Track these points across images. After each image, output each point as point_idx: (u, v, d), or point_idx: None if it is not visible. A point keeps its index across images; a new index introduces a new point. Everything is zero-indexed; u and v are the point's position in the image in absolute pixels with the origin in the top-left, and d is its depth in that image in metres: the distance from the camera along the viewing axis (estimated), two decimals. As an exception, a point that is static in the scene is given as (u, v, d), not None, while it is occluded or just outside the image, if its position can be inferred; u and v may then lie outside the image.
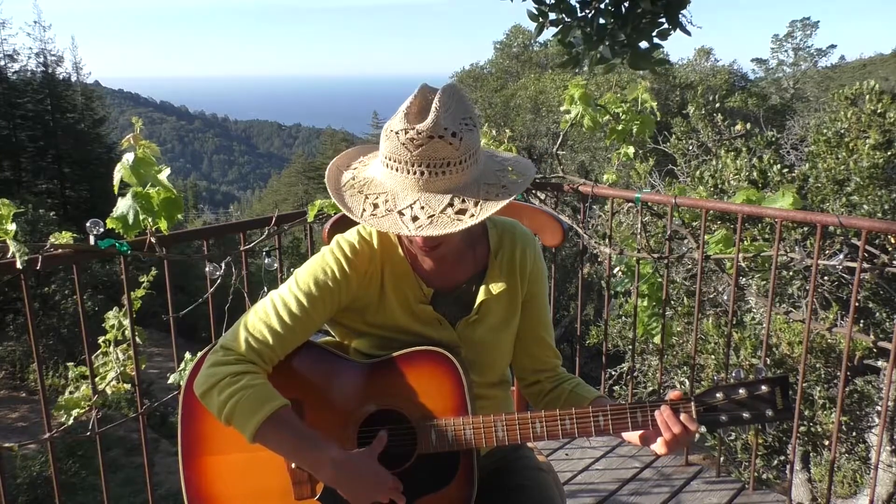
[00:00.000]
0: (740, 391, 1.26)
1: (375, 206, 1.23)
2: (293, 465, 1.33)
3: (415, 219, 1.19)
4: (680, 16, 2.67)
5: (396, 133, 1.19)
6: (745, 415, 1.25)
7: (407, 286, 1.39)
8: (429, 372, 1.34)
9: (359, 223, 1.31)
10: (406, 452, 1.34)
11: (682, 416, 1.26)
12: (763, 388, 1.25)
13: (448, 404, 1.33)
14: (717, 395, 1.27)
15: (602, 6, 2.72)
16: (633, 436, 1.34)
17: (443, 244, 1.30)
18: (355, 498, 1.26)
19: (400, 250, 1.39)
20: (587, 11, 2.74)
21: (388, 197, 1.23)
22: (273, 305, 1.32)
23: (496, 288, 1.42)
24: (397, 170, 1.21)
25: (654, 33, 2.75)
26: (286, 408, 1.24)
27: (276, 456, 1.30)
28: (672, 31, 2.73)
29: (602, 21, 2.72)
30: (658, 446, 1.30)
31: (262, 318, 1.31)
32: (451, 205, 1.20)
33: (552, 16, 2.79)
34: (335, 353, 1.39)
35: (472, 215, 1.20)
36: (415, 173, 1.20)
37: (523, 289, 1.47)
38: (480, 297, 1.42)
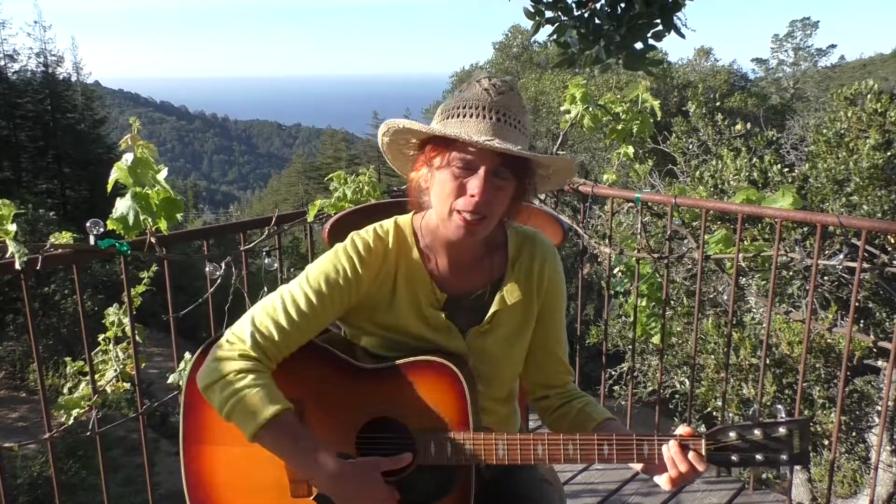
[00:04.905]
0: (756, 432, 1.19)
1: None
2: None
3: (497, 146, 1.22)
4: (675, 18, 2.68)
5: (479, 81, 1.27)
6: (758, 457, 1.19)
7: (420, 289, 1.37)
8: (433, 383, 1.32)
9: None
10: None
11: (691, 455, 1.22)
12: (781, 430, 1.18)
13: (450, 417, 1.31)
14: (731, 434, 1.20)
15: (597, 7, 2.72)
16: (638, 465, 1.31)
17: (485, 220, 1.27)
18: None
19: (415, 252, 1.37)
20: (583, 11, 2.75)
21: (461, 132, 1.23)
22: (282, 301, 1.31)
23: (511, 298, 1.39)
24: (471, 116, 1.24)
25: (648, 34, 2.75)
26: (288, 412, 1.23)
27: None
28: (667, 33, 2.74)
29: (598, 21, 2.72)
30: (662, 481, 1.26)
31: (269, 314, 1.29)
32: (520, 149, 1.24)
33: (548, 14, 2.79)
34: (340, 356, 1.37)
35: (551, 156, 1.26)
36: (491, 118, 1.24)
37: (539, 302, 1.44)
38: (494, 306, 1.39)
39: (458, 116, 1.25)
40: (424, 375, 1.32)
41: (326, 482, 1.23)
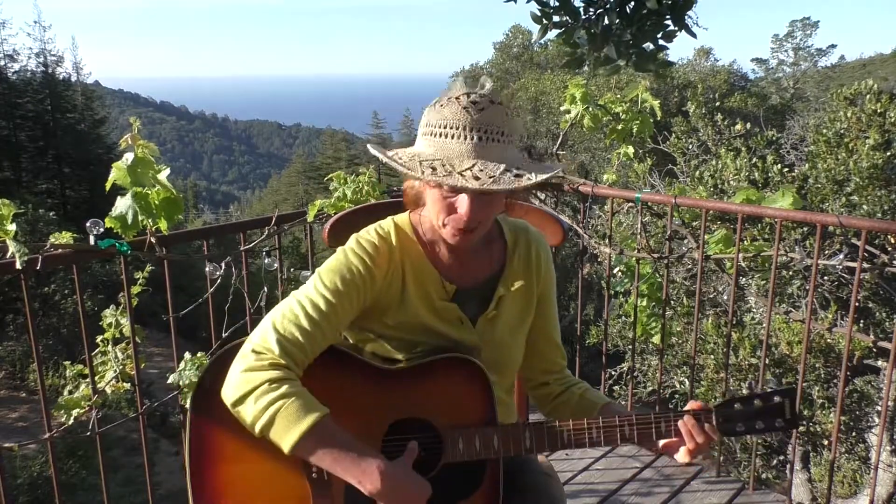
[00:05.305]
0: (755, 402, 1.33)
1: (433, 169, 1.22)
2: (314, 475, 1.29)
3: (476, 178, 1.19)
4: (686, 17, 2.66)
5: (457, 98, 1.23)
6: (759, 424, 1.33)
7: (429, 283, 1.38)
8: (457, 379, 1.33)
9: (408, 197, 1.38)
10: (431, 461, 1.32)
11: (707, 427, 1.31)
12: (776, 399, 1.33)
13: (476, 412, 1.32)
14: (735, 405, 1.33)
15: (607, 6, 2.71)
16: (660, 442, 1.37)
17: (479, 227, 1.30)
18: None
19: (418, 248, 1.38)
20: (592, 11, 2.73)
21: (443, 162, 1.22)
22: (300, 306, 1.29)
23: (515, 284, 1.44)
24: (452, 136, 1.23)
25: (659, 35, 2.74)
26: (328, 417, 1.20)
27: (293, 468, 1.28)
28: (678, 33, 2.72)
29: (607, 21, 2.71)
30: (681, 455, 1.34)
31: (291, 320, 1.27)
32: (507, 171, 1.21)
33: (556, 18, 2.78)
34: (360, 359, 1.36)
35: (529, 179, 1.21)
36: (471, 139, 1.22)
37: (538, 288, 1.48)
38: (500, 292, 1.43)
39: (440, 136, 1.24)
40: (447, 373, 1.34)
41: (380, 483, 1.19)
